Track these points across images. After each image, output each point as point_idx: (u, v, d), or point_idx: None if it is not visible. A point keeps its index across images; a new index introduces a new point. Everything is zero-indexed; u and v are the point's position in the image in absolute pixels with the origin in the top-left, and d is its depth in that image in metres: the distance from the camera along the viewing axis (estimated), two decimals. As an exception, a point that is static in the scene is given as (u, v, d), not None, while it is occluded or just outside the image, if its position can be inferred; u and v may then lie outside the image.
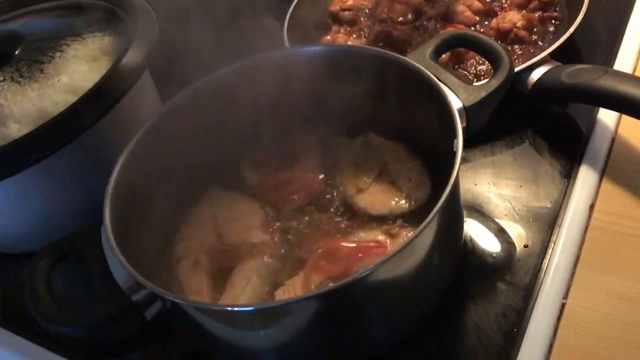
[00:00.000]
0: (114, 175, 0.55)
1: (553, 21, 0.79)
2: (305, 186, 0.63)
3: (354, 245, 0.56)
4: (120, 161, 0.56)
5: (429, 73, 0.56)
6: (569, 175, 0.64)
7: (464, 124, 0.55)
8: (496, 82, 0.56)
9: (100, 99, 0.62)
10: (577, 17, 0.72)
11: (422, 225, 0.45)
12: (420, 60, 0.59)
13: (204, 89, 0.63)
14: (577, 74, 0.63)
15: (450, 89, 0.56)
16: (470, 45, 0.61)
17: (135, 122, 0.61)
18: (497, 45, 0.58)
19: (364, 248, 0.55)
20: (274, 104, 0.67)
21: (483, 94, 0.55)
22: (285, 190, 0.63)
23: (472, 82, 0.72)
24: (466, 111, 0.55)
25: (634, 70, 0.73)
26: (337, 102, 0.65)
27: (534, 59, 0.68)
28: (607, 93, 0.59)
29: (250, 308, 0.48)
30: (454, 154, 0.49)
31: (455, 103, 0.54)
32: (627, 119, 0.65)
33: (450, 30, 0.68)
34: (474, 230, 0.62)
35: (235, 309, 0.49)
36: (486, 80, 0.58)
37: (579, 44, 0.79)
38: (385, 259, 0.44)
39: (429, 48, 0.61)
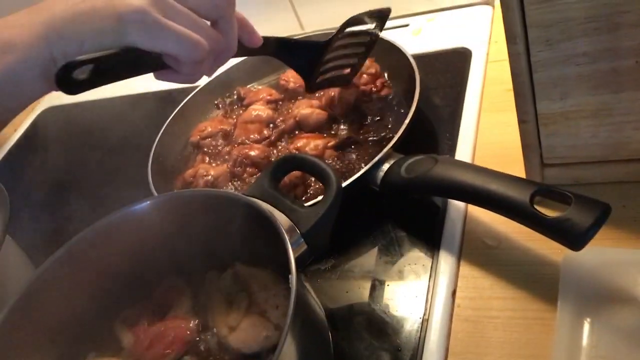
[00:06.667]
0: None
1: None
2: (179, 337, 0.62)
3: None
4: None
5: (262, 206, 0.56)
6: (431, 265, 0.64)
7: (304, 247, 0.55)
8: (327, 201, 0.56)
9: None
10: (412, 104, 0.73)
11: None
12: (258, 190, 0.60)
13: (67, 255, 0.62)
14: (413, 166, 0.65)
15: (287, 217, 0.57)
16: (301, 167, 0.62)
17: (3, 297, 0.59)
18: (322, 163, 0.58)
19: (237, 394, 0.54)
20: (138, 256, 0.66)
21: (318, 216, 0.56)
22: (159, 346, 0.61)
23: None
24: (304, 236, 0.55)
25: (474, 153, 0.74)
26: (202, 241, 0.66)
27: (376, 158, 0.68)
28: (439, 182, 0.61)
29: None
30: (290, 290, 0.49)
31: (291, 233, 0.55)
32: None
33: (284, 154, 0.68)
34: (345, 344, 0.61)
35: None
36: (317, 200, 0.58)
37: (432, 130, 0.80)
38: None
39: (265, 177, 0.62)
